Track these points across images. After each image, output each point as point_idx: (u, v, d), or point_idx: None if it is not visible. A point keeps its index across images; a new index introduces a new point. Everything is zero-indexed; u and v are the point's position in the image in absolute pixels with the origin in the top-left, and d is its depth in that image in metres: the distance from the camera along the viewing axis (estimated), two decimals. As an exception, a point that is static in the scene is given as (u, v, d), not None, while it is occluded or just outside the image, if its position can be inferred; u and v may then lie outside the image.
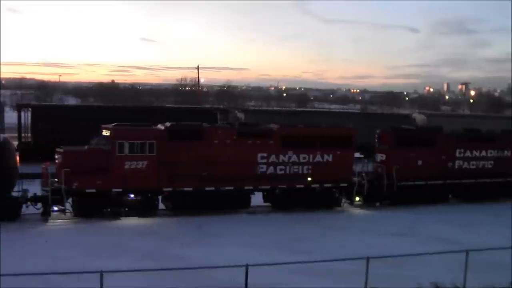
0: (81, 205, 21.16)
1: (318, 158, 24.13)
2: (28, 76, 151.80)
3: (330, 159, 24.27)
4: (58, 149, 21.85)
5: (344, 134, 25.04)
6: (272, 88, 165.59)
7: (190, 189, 22.27)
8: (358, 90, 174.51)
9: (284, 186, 23.56)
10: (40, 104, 40.88)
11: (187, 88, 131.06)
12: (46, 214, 21.11)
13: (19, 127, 33.54)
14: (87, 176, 21.07)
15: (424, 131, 27.20)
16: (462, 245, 15.73)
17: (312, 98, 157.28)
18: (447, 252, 14.17)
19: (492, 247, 14.66)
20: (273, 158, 23.49)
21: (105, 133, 22.00)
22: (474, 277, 12.64)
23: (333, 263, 13.91)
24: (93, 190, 21.14)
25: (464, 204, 26.41)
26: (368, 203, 25.21)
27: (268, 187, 23.51)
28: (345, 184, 24.48)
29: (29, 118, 33.84)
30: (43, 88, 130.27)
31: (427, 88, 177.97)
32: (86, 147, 22.22)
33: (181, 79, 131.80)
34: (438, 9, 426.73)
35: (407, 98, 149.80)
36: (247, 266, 11.06)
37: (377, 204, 25.52)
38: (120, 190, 21.48)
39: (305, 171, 23.98)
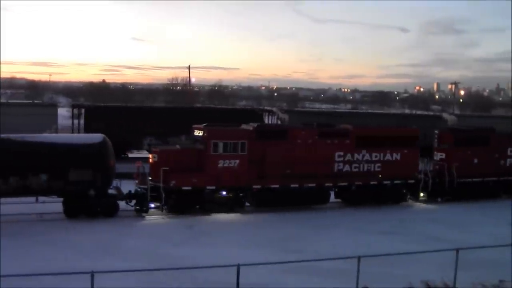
0: (177, 202, 22.52)
1: (388, 156, 25.91)
2: (18, 75, 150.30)
3: (398, 157, 26.08)
4: (153, 149, 23.17)
5: (410, 134, 26.89)
6: (263, 88, 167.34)
7: (277, 186, 23.81)
8: (349, 90, 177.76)
9: (360, 183, 25.28)
10: (94, 105, 41.76)
11: (178, 87, 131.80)
12: (143, 211, 22.42)
13: (73, 127, 34.52)
14: (184, 174, 22.45)
15: (479, 131, 29.15)
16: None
17: (303, 97, 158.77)
18: (438, 250, 14.48)
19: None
20: (348, 156, 25.20)
21: (198, 133, 23.37)
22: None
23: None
24: (189, 188, 22.53)
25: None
26: (430, 198, 27.10)
27: (345, 183, 25.16)
28: (412, 181, 26.32)
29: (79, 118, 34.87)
30: (34, 87, 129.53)
31: (417, 87, 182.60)
32: (178, 146, 23.59)
33: (172, 79, 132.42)
34: (428, 9, 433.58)
35: (397, 98, 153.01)
36: (238, 266, 11.04)
37: (439, 199, 27.39)
38: (213, 187, 22.91)
39: (376, 169, 25.74)
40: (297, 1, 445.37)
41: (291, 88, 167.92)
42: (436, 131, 28.55)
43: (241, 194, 23.65)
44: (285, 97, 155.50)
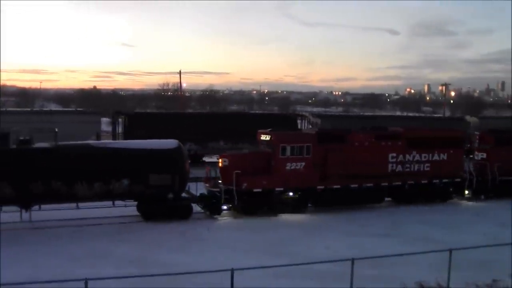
0: (248, 204, 23.68)
1: (436, 156, 27.43)
2: (8, 83, 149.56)
3: (445, 157, 27.61)
4: (223, 154, 24.33)
5: (456, 136, 28.49)
6: (255, 92, 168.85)
7: (338, 186, 25.14)
8: (340, 93, 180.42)
9: (412, 182, 26.75)
10: (135, 112, 42.56)
11: (169, 93, 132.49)
12: (216, 213, 23.54)
13: (114, 133, 35.40)
14: (254, 177, 23.64)
15: (517, 131, 30.91)
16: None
17: (294, 100, 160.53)
18: (432, 251, 14.75)
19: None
20: (400, 157, 26.64)
21: (264, 137, 24.60)
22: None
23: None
24: (259, 190, 23.73)
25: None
26: (474, 196, 28.68)
27: (399, 183, 26.59)
28: (458, 180, 27.89)
29: (118, 125, 35.76)
30: (24, 95, 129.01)
31: (408, 89, 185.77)
32: (246, 150, 24.77)
33: (163, 84, 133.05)
34: (417, 11, 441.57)
35: (388, 100, 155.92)
36: (232, 270, 11.23)
37: (482, 197, 28.99)
38: (281, 189, 24.16)
39: (425, 169, 27.24)
40: (287, 5, 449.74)
41: (282, 91, 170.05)
42: (477, 133, 30.22)
43: (304, 195, 24.84)
44: (276, 100, 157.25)
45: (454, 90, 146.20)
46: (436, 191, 27.45)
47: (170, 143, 23.20)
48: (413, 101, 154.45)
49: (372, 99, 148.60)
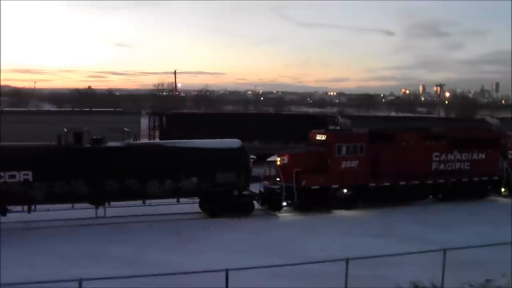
0: (306, 200, 24.84)
1: (475, 156, 28.86)
2: (2, 83, 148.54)
3: (483, 157, 29.05)
4: (282, 152, 25.47)
5: (493, 136, 29.97)
6: (250, 92, 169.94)
7: (388, 184, 26.41)
8: (335, 93, 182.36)
9: (454, 180, 28.14)
10: (173, 112, 43.35)
11: (164, 93, 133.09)
12: (276, 209, 24.68)
13: (149, 133, 36.28)
14: (313, 174, 24.82)
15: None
16: None
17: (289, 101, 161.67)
18: (426, 251, 14.64)
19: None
20: (443, 156, 28.01)
21: (319, 137, 25.80)
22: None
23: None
24: (317, 187, 24.93)
25: None
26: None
27: (443, 181, 27.94)
28: (496, 178, 29.36)
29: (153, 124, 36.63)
30: (18, 95, 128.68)
31: (403, 90, 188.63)
32: (303, 149, 25.95)
33: (158, 85, 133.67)
34: (412, 12, 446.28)
35: (383, 101, 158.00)
36: (227, 270, 11.24)
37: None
38: (337, 186, 25.38)
39: (466, 167, 28.64)
40: (283, 6, 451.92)
41: (277, 92, 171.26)
42: (509, 132, 31.70)
43: (357, 192, 26.07)
44: (271, 101, 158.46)
45: (449, 91, 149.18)
46: (476, 189, 28.85)
47: (233, 142, 24.26)
48: (408, 101, 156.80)
49: (367, 100, 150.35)
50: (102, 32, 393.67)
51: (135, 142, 23.07)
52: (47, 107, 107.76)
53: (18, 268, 15.41)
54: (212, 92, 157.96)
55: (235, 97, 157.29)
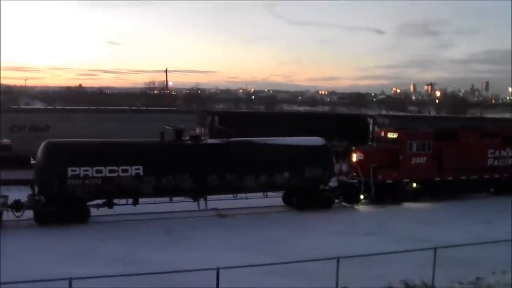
0: (381, 194, 26.77)
1: (524, 152, 31.21)
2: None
3: (531, 153, 31.43)
4: (358, 149, 27.35)
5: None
6: (241, 91, 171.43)
7: (451, 178, 28.53)
8: (326, 92, 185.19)
9: (507, 175, 30.43)
10: (226, 111, 44.74)
11: (155, 91, 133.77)
12: (354, 202, 26.56)
13: (201, 131, 37.75)
14: (387, 170, 26.80)
15: None
16: None
17: (281, 99, 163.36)
18: (417, 250, 14.86)
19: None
20: (497, 153, 30.28)
21: (391, 135, 27.80)
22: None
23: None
24: (391, 181, 26.91)
25: None
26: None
27: (497, 176, 30.19)
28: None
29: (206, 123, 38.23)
30: (9, 93, 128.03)
31: (394, 89, 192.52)
32: (374, 146, 27.86)
33: (150, 83, 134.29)
34: (403, 11, 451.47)
35: (375, 99, 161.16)
36: (218, 269, 11.39)
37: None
38: (408, 180, 27.41)
39: (516, 163, 31.00)
40: (274, 4, 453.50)
41: (269, 90, 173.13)
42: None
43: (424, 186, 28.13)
44: (263, 99, 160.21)
45: (440, 90, 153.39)
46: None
47: (318, 140, 26.04)
48: (399, 100, 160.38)
49: (358, 99, 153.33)
50: (93, 30, 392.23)
51: (232, 139, 24.57)
52: (38, 105, 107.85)
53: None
54: (204, 90, 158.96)
55: (227, 95, 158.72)
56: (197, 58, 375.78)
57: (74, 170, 21.37)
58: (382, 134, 28.44)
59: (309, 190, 25.29)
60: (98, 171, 21.63)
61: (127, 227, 21.39)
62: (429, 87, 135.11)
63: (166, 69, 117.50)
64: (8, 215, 21.24)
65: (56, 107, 38.67)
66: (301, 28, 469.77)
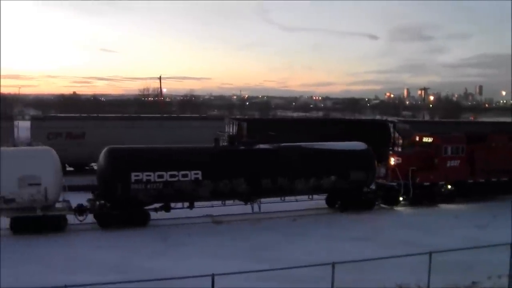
0: (418, 195, 28.10)
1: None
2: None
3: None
4: (393, 153, 28.70)
5: None
6: (235, 97, 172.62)
7: (483, 180, 30.01)
8: (320, 98, 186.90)
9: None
10: (254, 118, 45.89)
11: (149, 98, 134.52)
12: (393, 204, 27.88)
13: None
14: (425, 172, 28.19)
15: None
16: None
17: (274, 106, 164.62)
18: (412, 255, 14.77)
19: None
20: (524, 154, 31.87)
21: (426, 139, 29.23)
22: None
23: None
24: (428, 184, 28.31)
25: None
26: None
27: (526, 176, 31.75)
28: None
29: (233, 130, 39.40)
30: (3, 100, 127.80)
31: (388, 94, 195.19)
32: (411, 150, 29.28)
33: (144, 90, 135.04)
34: (395, 16, 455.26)
35: (368, 104, 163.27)
36: (213, 275, 11.40)
37: None
38: (443, 182, 28.84)
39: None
40: (266, 10, 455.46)
41: (263, 96, 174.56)
42: None
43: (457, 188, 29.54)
44: (257, 105, 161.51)
45: (433, 95, 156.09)
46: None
47: (360, 144, 27.36)
48: (392, 105, 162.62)
49: (352, 104, 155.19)
50: (87, 38, 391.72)
51: (283, 144, 25.76)
52: (32, 112, 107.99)
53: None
54: (198, 97, 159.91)
55: (221, 102, 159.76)
56: (191, 64, 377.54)
57: (137, 175, 22.41)
58: (417, 139, 29.83)
59: (353, 193, 26.53)
60: (159, 176, 22.70)
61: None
62: (423, 91, 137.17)
63: (160, 76, 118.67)
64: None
65: (91, 115, 39.48)
66: (294, 34, 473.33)
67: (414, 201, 28.15)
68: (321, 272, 13.61)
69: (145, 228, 22.50)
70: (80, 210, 22.61)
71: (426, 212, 27.07)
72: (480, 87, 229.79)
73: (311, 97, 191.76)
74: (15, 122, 38.02)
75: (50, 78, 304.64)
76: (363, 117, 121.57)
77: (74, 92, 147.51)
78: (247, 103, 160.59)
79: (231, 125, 40.34)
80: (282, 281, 14.70)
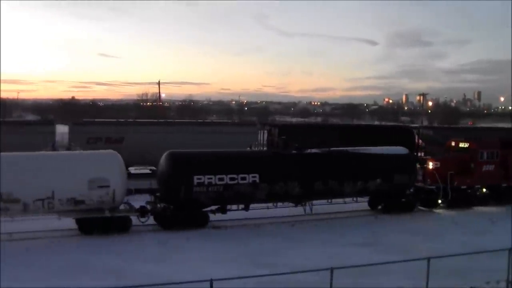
0: (456, 198, 29.58)
1: None
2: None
3: None
4: (431, 158, 30.20)
5: None
6: (234, 102, 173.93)
7: (514, 184, 31.66)
8: (319, 103, 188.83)
9: None
10: (284, 124, 47.21)
11: (148, 103, 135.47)
12: (432, 206, 29.35)
13: (263, 143, 40.30)
14: (462, 176, 29.73)
15: None
16: None
17: (274, 111, 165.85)
18: (409, 260, 15.09)
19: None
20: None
21: (462, 145, 30.79)
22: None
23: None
24: (465, 187, 29.86)
25: None
26: None
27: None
28: None
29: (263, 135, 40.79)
30: (1, 105, 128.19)
31: (387, 99, 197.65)
32: (448, 155, 30.81)
33: (142, 95, 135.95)
34: (394, 21, 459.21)
35: (367, 110, 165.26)
36: (211, 280, 11.46)
37: None
38: (478, 186, 30.39)
39: None
40: (265, 15, 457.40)
41: (261, 102, 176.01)
42: None
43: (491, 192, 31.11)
44: (256, 111, 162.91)
45: (432, 100, 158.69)
46: None
47: (402, 149, 28.87)
48: (391, 111, 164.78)
49: (351, 109, 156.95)
50: (85, 43, 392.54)
51: (332, 148, 27.13)
52: (31, 117, 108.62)
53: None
54: (196, 102, 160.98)
55: (220, 107, 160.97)
56: (190, 69, 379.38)
57: (199, 178, 23.65)
58: (453, 144, 31.40)
59: (395, 195, 27.96)
60: (220, 179, 23.96)
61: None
62: (421, 97, 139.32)
63: (159, 81, 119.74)
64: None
65: (129, 120, 40.63)
66: (292, 39, 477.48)
67: (452, 203, 29.62)
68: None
69: (147, 232, 23.13)
70: (142, 212, 23.80)
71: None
72: (479, 93, 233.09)
73: (310, 102, 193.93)
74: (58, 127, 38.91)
75: (48, 83, 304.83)
76: (378, 123, 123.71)
77: (73, 97, 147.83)
78: (246, 108, 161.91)
79: (262, 131, 41.63)
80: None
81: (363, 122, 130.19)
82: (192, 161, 24.27)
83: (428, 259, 14.11)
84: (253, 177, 24.50)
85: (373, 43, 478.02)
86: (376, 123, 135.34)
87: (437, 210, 29.46)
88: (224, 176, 24.01)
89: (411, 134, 43.69)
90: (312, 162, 26.06)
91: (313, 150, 26.59)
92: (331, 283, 12.82)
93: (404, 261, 15.40)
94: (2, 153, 21.88)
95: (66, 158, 23.36)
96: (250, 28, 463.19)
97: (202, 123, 45.64)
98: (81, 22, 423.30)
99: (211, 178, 23.81)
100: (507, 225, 24.95)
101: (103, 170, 22.81)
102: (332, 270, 12.77)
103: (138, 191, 25.19)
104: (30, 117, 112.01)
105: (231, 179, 24.13)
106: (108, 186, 22.59)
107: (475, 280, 16.22)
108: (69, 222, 22.75)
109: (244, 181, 24.36)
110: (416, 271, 15.06)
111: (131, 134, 35.73)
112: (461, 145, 30.94)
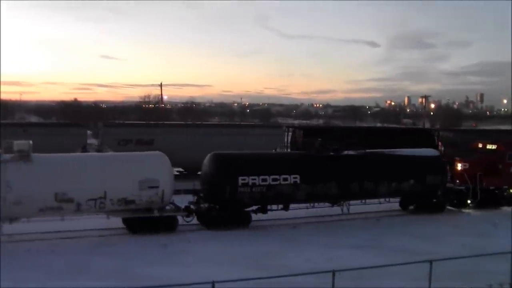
0: (485, 199, 30.65)
1: None
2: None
3: None
4: (459, 159, 31.31)
5: None
6: (235, 104, 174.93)
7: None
8: (321, 105, 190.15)
9: None
10: (309, 126, 48.29)
11: (150, 105, 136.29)
12: (462, 206, 30.44)
13: (287, 145, 41.34)
14: (490, 177, 30.85)
15: None
16: None
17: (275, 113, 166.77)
18: (412, 263, 14.93)
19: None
20: None
21: (490, 146, 31.91)
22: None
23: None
24: (493, 188, 30.98)
25: None
26: None
27: None
28: None
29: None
30: (4, 107, 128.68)
31: (389, 101, 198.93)
32: (477, 156, 31.91)
33: (144, 97, 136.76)
34: (396, 23, 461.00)
35: (369, 112, 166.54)
36: (213, 282, 11.50)
37: None
38: (506, 187, 31.54)
39: None
40: (267, 18, 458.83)
41: (263, 104, 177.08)
42: None
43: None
44: (257, 113, 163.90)
45: (434, 102, 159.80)
46: None
47: (433, 151, 30.07)
48: (393, 113, 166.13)
49: (352, 111, 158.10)
50: (87, 45, 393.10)
51: (367, 151, 28.17)
52: (33, 119, 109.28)
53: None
54: (198, 104, 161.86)
55: (221, 109, 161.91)
56: (192, 72, 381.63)
57: (244, 179, 24.62)
58: (480, 146, 32.52)
59: (428, 196, 29.04)
60: (263, 180, 24.94)
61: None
62: (424, 99, 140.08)
63: (161, 83, 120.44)
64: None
65: (159, 122, 41.62)
66: (294, 41, 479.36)
67: (480, 204, 30.71)
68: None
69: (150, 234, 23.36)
70: (188, 211, 24.75)
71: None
72: (481, 95, 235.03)
73: (312, 104, 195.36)
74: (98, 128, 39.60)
75: (51, 85, 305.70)
76: (364, 124, 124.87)
77: (75, 99, 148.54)
78: (248, 111, 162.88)
79: (287, 133, 42.62)
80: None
81: (365, 125, 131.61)
82: (236, 162, 25.24)
83: (431, 261, 14.12)
84: (294, 178, 25.48)
85: (374, 45, 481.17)
86: (379, 125, 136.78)
87: (466, 210, 30.52)
88: (267, 177, 24.99)
89: (432, 136, 44.79)
90: (349, 164, 27.09)
91: (349, 152, 27.60)
92: (333, 286, 12.84)
93: (405, 263, 15.34)
94: (57, 154, 22.80)
95: (117, 159, 24.26)
96: (251, 30, 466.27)
97: (229, 125, 46.59)
98: (82, 24, 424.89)
99: (255, 179, 24.77)
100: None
101: (153, 171, 23.72)
102: (333, 272, 12.86)
103: (184, 192, 26.15)
104: (33, 119, 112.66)
105: (274, 179, 25.10)
106: (157, 187, 23.50)
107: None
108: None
109: (286, 182, 25.33)
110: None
111: (161, 136, 36.66)
112: (489, 146, 32.04)
